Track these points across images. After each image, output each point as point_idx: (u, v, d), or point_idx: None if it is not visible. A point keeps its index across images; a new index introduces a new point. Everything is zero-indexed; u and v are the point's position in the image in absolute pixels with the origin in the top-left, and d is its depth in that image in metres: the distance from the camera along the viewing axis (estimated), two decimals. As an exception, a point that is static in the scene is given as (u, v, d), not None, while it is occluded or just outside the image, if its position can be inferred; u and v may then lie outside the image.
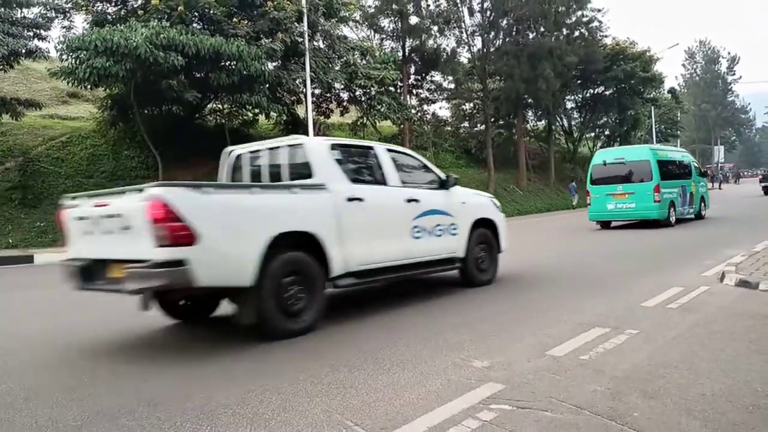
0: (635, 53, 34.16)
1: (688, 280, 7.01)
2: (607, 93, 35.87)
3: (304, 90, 18.96)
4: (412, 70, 26.34)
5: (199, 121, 21.62)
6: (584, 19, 30.72)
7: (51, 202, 16.57)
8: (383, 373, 3.95)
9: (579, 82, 34.16)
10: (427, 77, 27.73)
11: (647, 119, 41.82)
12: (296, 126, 22.18)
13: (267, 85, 17.75)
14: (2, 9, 16.89)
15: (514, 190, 29.26)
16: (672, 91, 48.22)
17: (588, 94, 36.60)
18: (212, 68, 16.48)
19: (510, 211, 26.43)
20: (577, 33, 30.69)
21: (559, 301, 6.14)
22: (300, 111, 22.20)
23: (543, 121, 36.02)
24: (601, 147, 42.15)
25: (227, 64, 16.72)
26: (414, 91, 27.47)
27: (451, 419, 3.08)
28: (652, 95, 38.95)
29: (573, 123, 39.09)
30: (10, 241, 14.83)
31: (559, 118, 36.95)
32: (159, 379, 4.07)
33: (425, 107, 29.05)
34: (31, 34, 17.33)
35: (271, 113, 19.32)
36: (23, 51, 16.28)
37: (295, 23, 17.73)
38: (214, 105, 20.84)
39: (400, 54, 24.40)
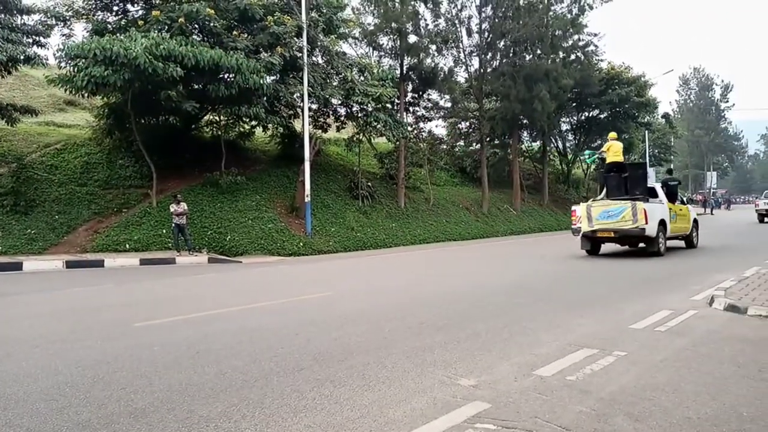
0: (630, 78, 34.54)
1: (677, 304, 7.02)
2: (602, 116, 36.11)
3: (302, 104, 19.02)
4: (410, 87, 26.43)
5: (195, 132, 21.63)
6: (580, 43, 31.04)
7: (43, 209, 16.51)
8: (369, 389, 3.92)
9: (574, 104, 34.41)
10: (424, 95, 27.79)
11: (641, 143, 42.12)
12: (292, 139, 22.25)
13: (265, 98, 17.80)
14: (2, 15, 16.93)
15: (507, 209, 29.32)
16: (666, 116, 48.55)
17: (583, 117, 36.86)
18: (211, 80, 16.52)
19: (503, 230, 26.49)
20: (573, 56, 30.98)
21: (549, 321, 6.13)
22: (297, 125, 22.25)
23: (538, 142, 36.19)
24: (595, 169, 42.52)
25: (226, 76, 16.77)
26: (411, 109, 27.54)
27: (435, 437, 3.05)
28: (646, 120, 39.25)
29: (567, 144, 39.30)
30: (0, 247, 14.70)
31: (553, 140, 37.16)
32: (143, 390, 4.02)
33: (421, 125, 29.14)
34: (31, 40, 17.32)
35: (269, 126, 19.34)
36: (22, 57, 16.25)
37: (295, 38, 17.85)
38: (211, 117, 20.86)
39: (398, 72, 24.49)
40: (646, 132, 41.75)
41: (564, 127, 37.79)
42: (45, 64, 17.81)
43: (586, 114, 36.51)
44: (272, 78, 18.34)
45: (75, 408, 3.65)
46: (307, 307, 7.61)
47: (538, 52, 28.61)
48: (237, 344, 5.38)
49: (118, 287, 10.40)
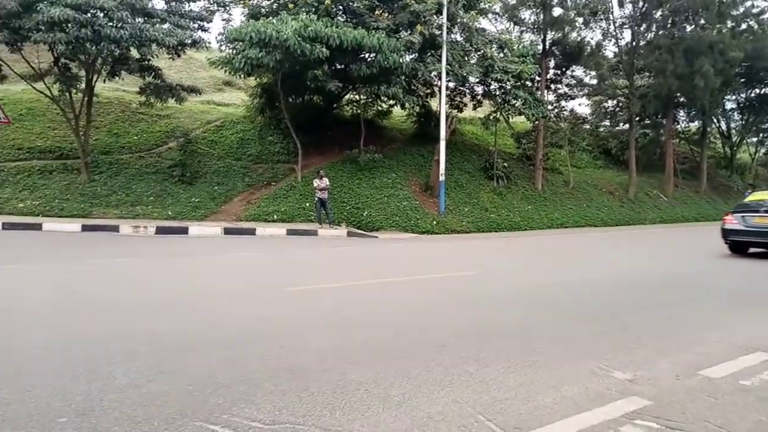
0: (816, 48, 29.83)
1: None
2: (777, 93, 31.77)
3: (439, 83, 18.95)
4: (552, 64, 25.17)
5: (337, 110, 22.52)
6: (754, 11, 27.41)
7: (205, 180, 18.28)
8: (514, 372, 3.85)
9: (743, 80, 30.58)
10: (568, 72, 26.32)
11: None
12: (428, 118, 22.32)
13: (403, 77, 17.99)
14: (174, 2, 18.75)
15: (657, 195, 27.05)
16: None
17: (753, 94, 32.64)
18: (353, 59, 17.03)
19: (652, 218, 24.55)
20: (744, 26, 27.48)
21: (711, 319, 5.57)
22: (433, 104, 22.27)
23: (696, 123, 32.80)
24: (765, 153, 37.68)
25: (367, 55, 17.18)
26: (552, 86, 26.25)
27: (590, 429, 2.92)
28: (834, 97, 33.81)
29: (732, 125, 35.13)
30: (170, 213, 16.54)
31: (715, 120, 33.40)
32: (298, 349, 4.30)
33: (563, 103, 27.70)
34: (196, 26, 19.03)
35: (406, 105, 19.57)
36: (188, 41, 17.93)
37: (434, 15, 17.74)
38: (352, 96, 21.56)
39: (540, 47, 23.42)
40: (834, 111, 35.96)
41: (729, 105, 33.79)
42: (207, 48, 19.49)
43: (757, 91, 32.28)
44: (411, 57, 18.44)
45: (241, 360, 4.01)
46: (448, 285, 7.65)
47: (702, 21, 25.75)
48: (381, 315, 5.56)
49: (270, 254, 11.24)
